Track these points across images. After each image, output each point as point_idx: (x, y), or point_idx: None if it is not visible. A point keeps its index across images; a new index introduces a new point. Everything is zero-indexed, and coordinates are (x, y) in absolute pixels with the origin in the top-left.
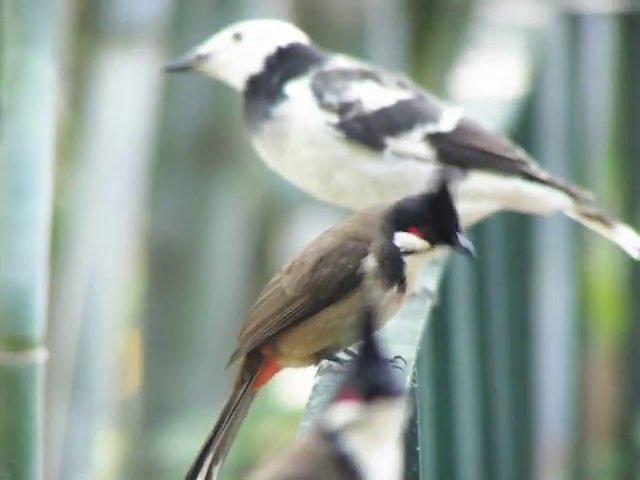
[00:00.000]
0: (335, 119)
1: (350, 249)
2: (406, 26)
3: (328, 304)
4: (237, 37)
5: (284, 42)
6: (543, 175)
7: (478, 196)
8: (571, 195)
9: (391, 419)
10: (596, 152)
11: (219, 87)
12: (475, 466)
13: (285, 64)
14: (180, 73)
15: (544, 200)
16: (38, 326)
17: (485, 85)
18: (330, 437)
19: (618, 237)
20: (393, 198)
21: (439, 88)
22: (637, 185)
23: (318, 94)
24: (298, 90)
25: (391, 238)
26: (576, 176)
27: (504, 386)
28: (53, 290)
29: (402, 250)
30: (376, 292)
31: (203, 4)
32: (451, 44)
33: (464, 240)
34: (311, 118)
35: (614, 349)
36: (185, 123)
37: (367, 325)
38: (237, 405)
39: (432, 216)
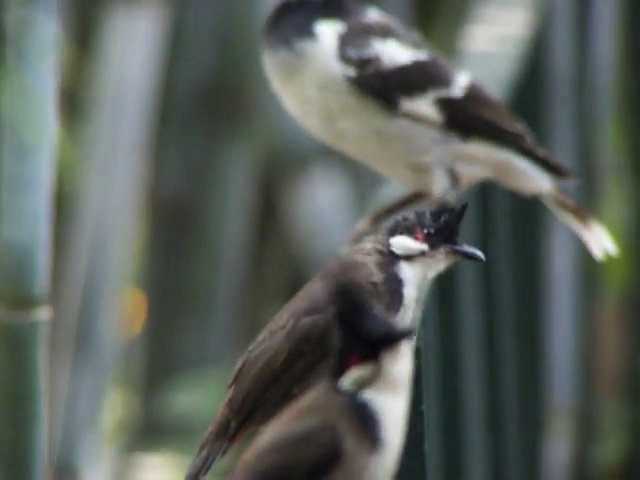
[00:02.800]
0: (353, 73)
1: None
2: None
3: None
4: None
5: None
6: (539, 151)
7: (473, 161)
8: (560, 174)
9: (401, 363)
10: (603, 107)
11: (227, 40)
12: (482, 422)
13: (326, 3)
14: None
15: (530, 180)
16: (42, 285)
17: (492, 40)
18: (341, 391)
19: (589, 234)
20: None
21: (447, 44)
22: None
23: (342, 45)
24: (327, 33)
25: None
26: (583, 132)
27: (511, 340)
28: (58, 247)
29: (399, 253)
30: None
31: None
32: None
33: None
34: (329, 65)
35: (622, 301)
36: (192, 77)
37: (344, 290)
38: (212, 464)
39: (436, 222)
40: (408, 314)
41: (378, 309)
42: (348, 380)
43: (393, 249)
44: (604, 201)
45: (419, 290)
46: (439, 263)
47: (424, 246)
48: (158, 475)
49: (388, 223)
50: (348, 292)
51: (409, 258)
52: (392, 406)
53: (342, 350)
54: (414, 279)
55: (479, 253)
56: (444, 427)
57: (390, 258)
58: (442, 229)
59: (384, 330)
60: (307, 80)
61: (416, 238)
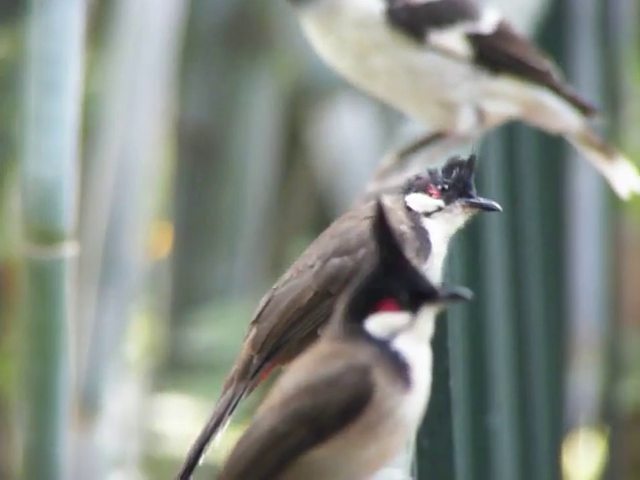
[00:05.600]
0: (383, 5)
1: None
2: None
3: None
4: None
5: None
6: (566, 89)
7: (502, 98)
8: (586, 112)
9: (430, 319)
10: (628, 39)
11: None
12: (507, 355)
13: None
14: None
15: (558, 118)
16: (68, 220)
17: None
18: (367, 334)
19: (614, 171)
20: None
21: None
22: None
23: None
24: None
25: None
26: (606, 64)
27: (537, 274)
28: (83, 179)
29: (418, 210)
30: None
31: None
32: None
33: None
34: (365, 1)
35: None
36: (217, 6)
37: (384, 232)
38: (237, 403)
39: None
40: (436, 265)
41: (411, 257)
42: (379, 323)
43: (410, 206)
44: (627, 135)
45: (442, 245)
46: (457, 217)
47: (439, 202)
48: (183, 403)
49: (401, 183)
50: (389, 235)
51: (428, 214)
52: (420, 353)
53: (375, 291)
54: (437, 234)
55: (495, 204)
56: (470, 362)
57: (412, 213)
58: (455, 183)
59: (430, 287)
60: (346, 19)
61: (430, 194)
